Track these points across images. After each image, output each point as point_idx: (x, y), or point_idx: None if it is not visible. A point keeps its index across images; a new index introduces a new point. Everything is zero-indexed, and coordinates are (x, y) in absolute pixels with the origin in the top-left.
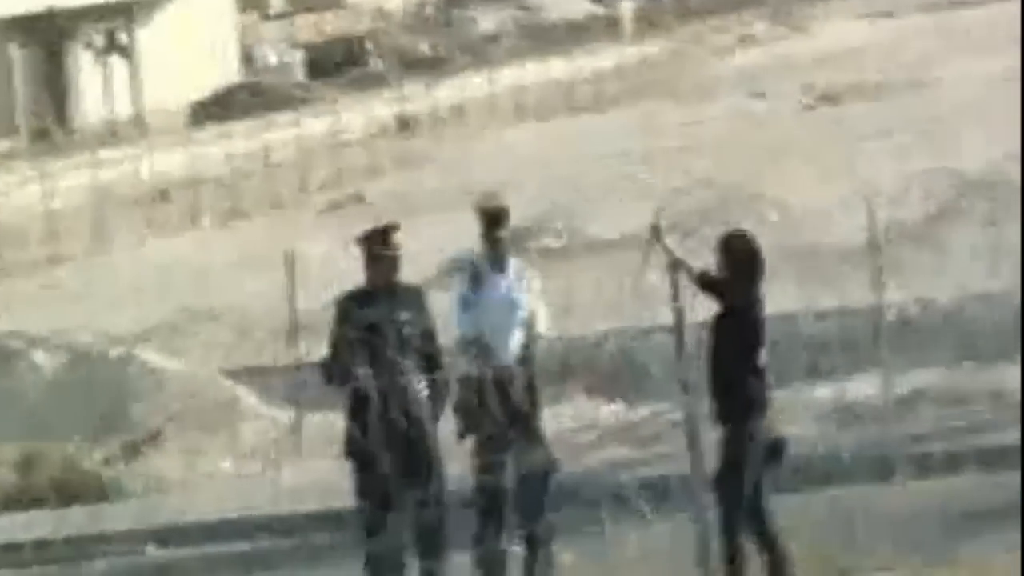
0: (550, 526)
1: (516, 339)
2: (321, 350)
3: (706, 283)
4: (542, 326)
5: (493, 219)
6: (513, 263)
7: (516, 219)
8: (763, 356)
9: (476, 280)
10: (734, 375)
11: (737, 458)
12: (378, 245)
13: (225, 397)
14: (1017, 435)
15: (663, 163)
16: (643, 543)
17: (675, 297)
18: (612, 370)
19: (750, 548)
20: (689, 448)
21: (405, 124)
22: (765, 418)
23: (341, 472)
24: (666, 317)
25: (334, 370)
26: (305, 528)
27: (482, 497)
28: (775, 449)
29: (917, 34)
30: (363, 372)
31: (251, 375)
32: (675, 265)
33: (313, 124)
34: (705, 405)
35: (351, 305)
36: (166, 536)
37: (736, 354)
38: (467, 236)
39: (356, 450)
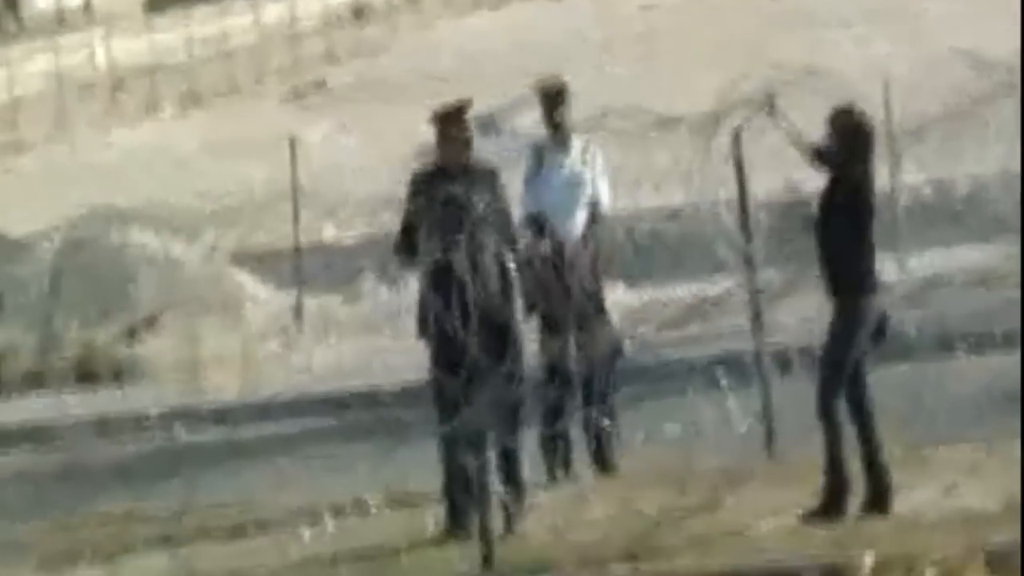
0: (614, 405)
1: (580, 217)
2: (317, 235)
3: (818, 156)
4: (605, 204)
5: (551, 98)
6: (577, 141)
7: (485, 106)
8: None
9: (539, 159)
10: (845, 249)
11: (845, 332)
12: (451, 123)
13: (225, 280)
14: None
15: (623, 50)
16: (712, 418)
17: (739, 173)
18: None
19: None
20: (752, 323)
21: (360, 12)
22: (876, 293)
23: (349, 354)
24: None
25: (406, 246)
26: (336, 408)
27: (548, 376)
28: (880, 325)
29: None
30: (437, 248)
31: (250, 259)
32: (792, 137)
33: (270, 11)
34: (766, 279)
35: (425, 182)
36: (194, 418)
37: (847, 228)
38: None
39: (434, 326)
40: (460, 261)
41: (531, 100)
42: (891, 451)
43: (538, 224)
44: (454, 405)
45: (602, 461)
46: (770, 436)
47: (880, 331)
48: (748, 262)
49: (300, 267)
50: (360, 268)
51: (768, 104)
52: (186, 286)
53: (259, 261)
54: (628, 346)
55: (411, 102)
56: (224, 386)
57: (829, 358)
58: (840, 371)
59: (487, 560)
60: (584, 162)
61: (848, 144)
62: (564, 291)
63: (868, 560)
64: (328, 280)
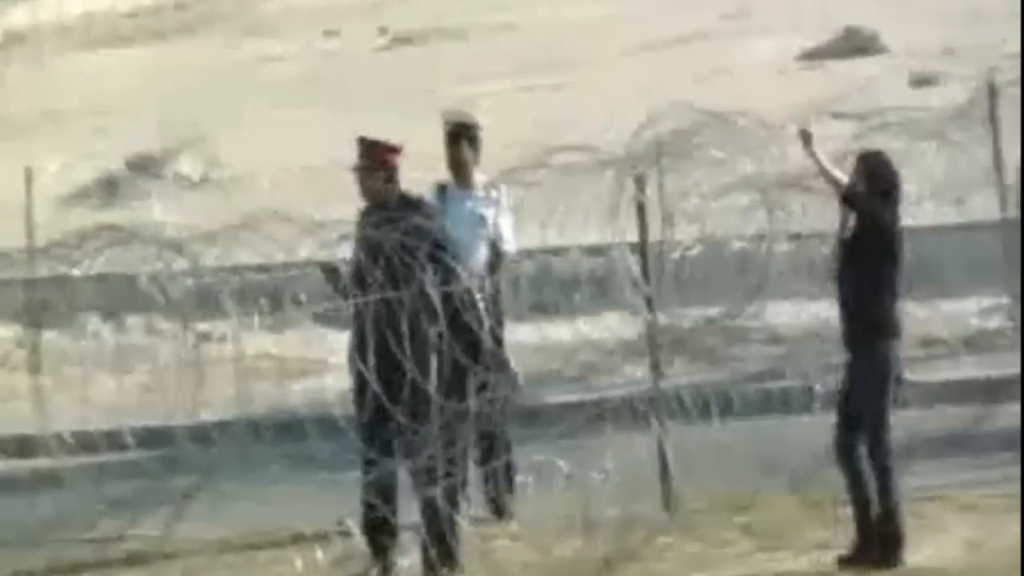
0: (509, 446)
1: (480, 255)
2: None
3: (848, 197)
4: (509, 243)
5: (450, 135)
6: (480, 179)
7: (144, 146)
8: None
9: (442, 196)
10: (871, 296)
11: (875, 379)
12: (359, 157)
13: None
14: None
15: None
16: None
17: (641, 216)
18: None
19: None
20: (651, 366)
21: None
22: (899, 339)
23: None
24: None
25: (356, 281)
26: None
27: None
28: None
29: None
30: (354, 287)
31: None
32: (824, 173)
33: None
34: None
35: (361, 218)
36: None
37: (873, 274)
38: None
39: (354, 365)
40: (404, 299)
41: (191, 145)
42: None
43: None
44: (389, 442)
45: (497, 505)
46: (668, 485)
47: (896, 378)
48: (648, 305)
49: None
50: (85, 305)
51: (803, 138)
52: None
53: None
54: (524, 387)
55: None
56: None
57: (869, 409)
58: (883, 419)
59: None
60: (487, 199)
61: (875, 187)
62: (463, 329)
63: None
64: (51, 316)
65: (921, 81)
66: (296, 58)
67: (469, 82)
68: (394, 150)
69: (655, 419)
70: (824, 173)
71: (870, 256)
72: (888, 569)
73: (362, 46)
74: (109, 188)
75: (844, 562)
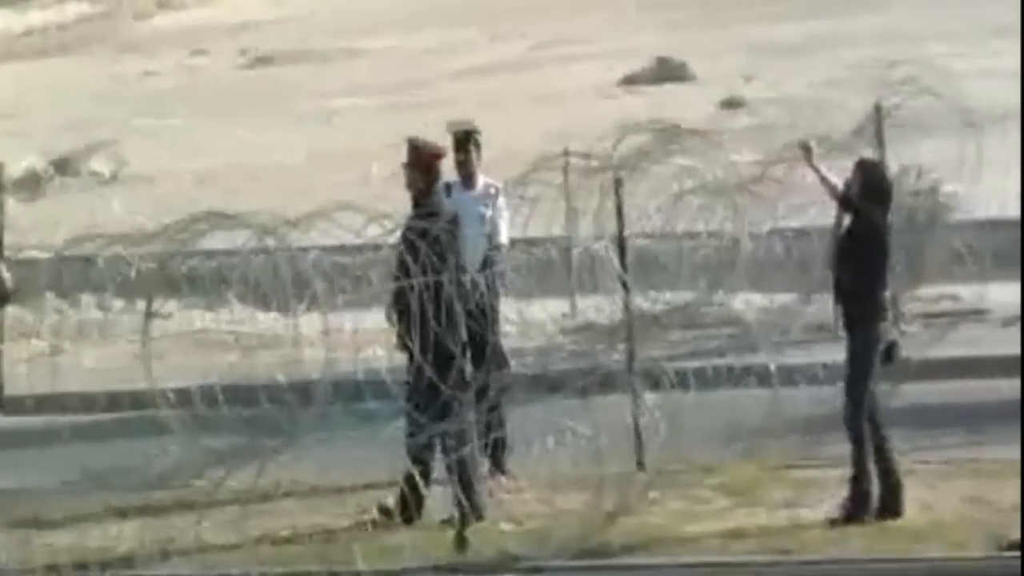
0: (503, 414)
1: (480, 247)
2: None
3: (845, 200)
4: (503, 237)
5: (457, 141)
6: (482, 180)
7: (54, 147)
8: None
9: (449, 195)
10: (863, 285)
11: (865, 356)
12: (408, 157)
13: None
14: None
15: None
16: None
17: (619, 213)
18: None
19: None
20: (626, 340)
21: None
22: (885, 321)
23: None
24: None
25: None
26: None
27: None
28: (889, 351)
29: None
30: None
31: None
32: (823, 181)
33: None
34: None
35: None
36: None
37: (865, 266)
38: None
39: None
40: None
41: (103, 145)
42: None
43: None
44: (445, 406)
45: (495, 465)
46: (637, 436)
47: (888, 356)
48: (624, 287)
49: None
50: (44, 284)
51: (804, 151)
52: None
53: None
54: (513, 361)
55: None
56: None
57: (853, 381)
58: (863, 394)
59: (461, 545)
60: (487, 199)
61: (869, 191)
62: (465, 311)
63: None
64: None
65: (729, 104)
66: (168, 74)
67: (321, 99)
68: (437, 155)
69: (632, 389)
70: (823, 179)
71: (863, 251)
72: (858, 526)
73: (225, 65)
74: (32, 183)
75: (835, 522)
